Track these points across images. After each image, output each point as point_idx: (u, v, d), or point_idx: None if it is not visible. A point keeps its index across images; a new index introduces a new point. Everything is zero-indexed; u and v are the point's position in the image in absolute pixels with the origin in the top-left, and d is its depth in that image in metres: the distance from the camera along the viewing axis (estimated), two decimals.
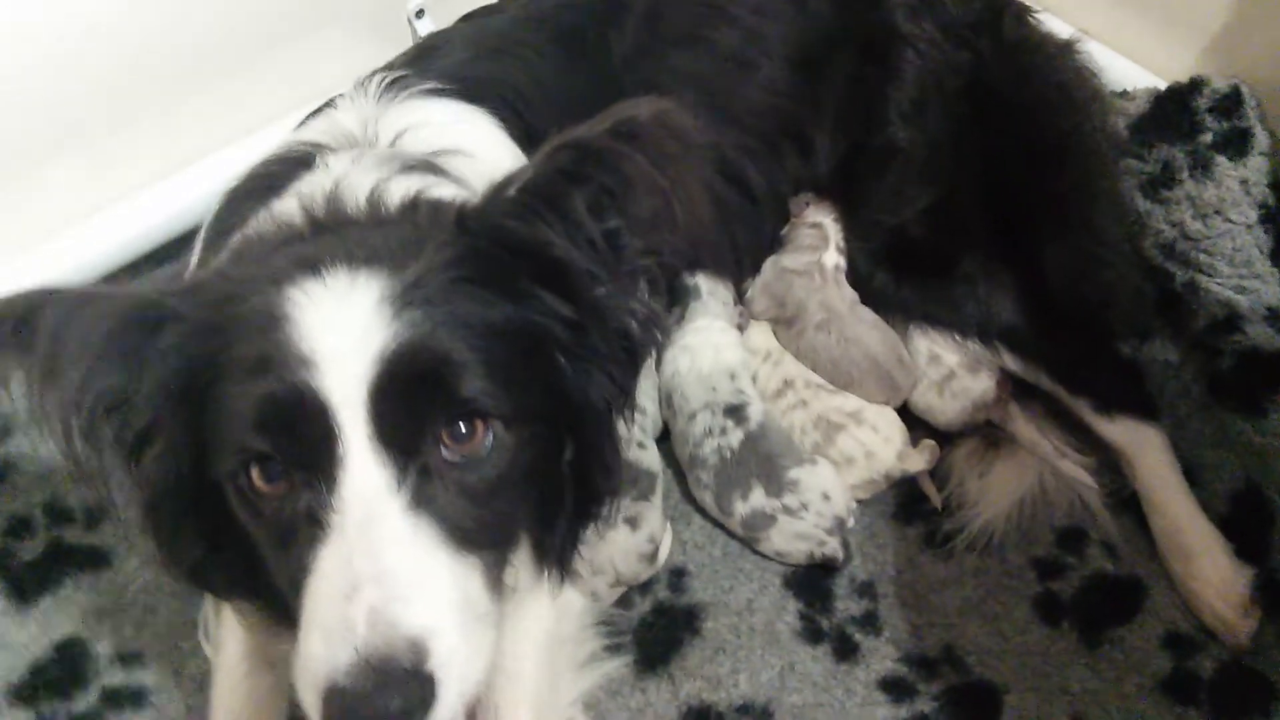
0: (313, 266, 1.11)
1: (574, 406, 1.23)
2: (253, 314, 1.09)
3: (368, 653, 0.96)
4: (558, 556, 1.37)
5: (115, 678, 1.60)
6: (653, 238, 1.20)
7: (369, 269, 1.11)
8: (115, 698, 1.58)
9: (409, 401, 1.07)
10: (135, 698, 1.58)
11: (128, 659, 1.62)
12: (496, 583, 1.15)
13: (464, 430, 1.10)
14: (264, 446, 1.07)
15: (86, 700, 1.57)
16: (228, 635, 1.49)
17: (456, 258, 1.14)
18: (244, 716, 1.44)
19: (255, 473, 1.09)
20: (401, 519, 1.04)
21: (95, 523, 1.78)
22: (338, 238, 1.20)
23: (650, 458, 1.77)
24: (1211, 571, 1.67)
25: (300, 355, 1.05)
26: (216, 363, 1.09)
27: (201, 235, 1.51)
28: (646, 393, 1.82)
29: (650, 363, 1.84)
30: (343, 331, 1.06)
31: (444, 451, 1.09)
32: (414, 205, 1.29)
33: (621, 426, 1.36)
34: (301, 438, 1.06)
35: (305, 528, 1.05)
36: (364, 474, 1.04)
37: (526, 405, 1.15)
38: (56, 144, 1.95)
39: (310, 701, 0.99)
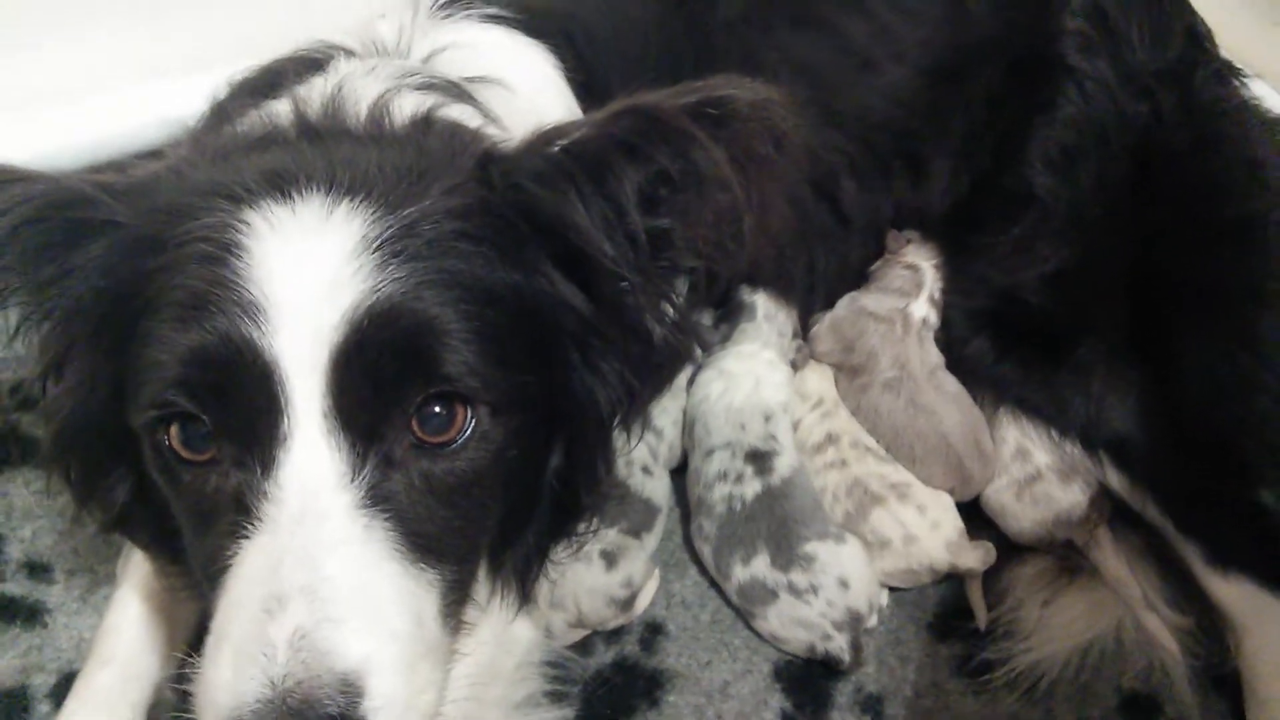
0: (283, 185, 0.93)
1: (575, 405, 1.04)
2: (199, 236, 0.90)
3: (287, 688, 0.79)
4: (519, 576, 1.18)
5: (17, 587, 1.47)
6: (706, 242, 1.00)
7: (352, 199, 0.92)
8: (11, 608, 1.44)
9: (379, 375, 0.88)
10: (32, 611, 1.44)
11: (36, 569, 1.49)
12: (454, 608, 0.98)
13: (439, 413, 0.92)
14: (188, 407, 0.89)
15: None
16: (134, 571, 1.33)
17: (464, 208, 0.95)
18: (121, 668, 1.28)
19: (174, 432, 0.91)
20: (349, 519, 0.87)
21: None
22: (323, 149, 1.01)
23: (656, 488, 1.53)
24: None
25: (247, 301, 0.87)
26: (148, 290, 0.92)
27: (193, 126, 1.35)
28: (669, 413, 1.57)
29: (681, 381, 1.60)
30: (306, 277, 0.88)
31: (411, 438, 0.91)
32: (426, 124, 1.10)
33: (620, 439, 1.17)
34: (237, 404, 0.88)
35: (231, 513, 0.88)
36: (311, 459, 0.87)
37: (520, 392, 0.97)
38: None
39: None
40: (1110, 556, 1.54)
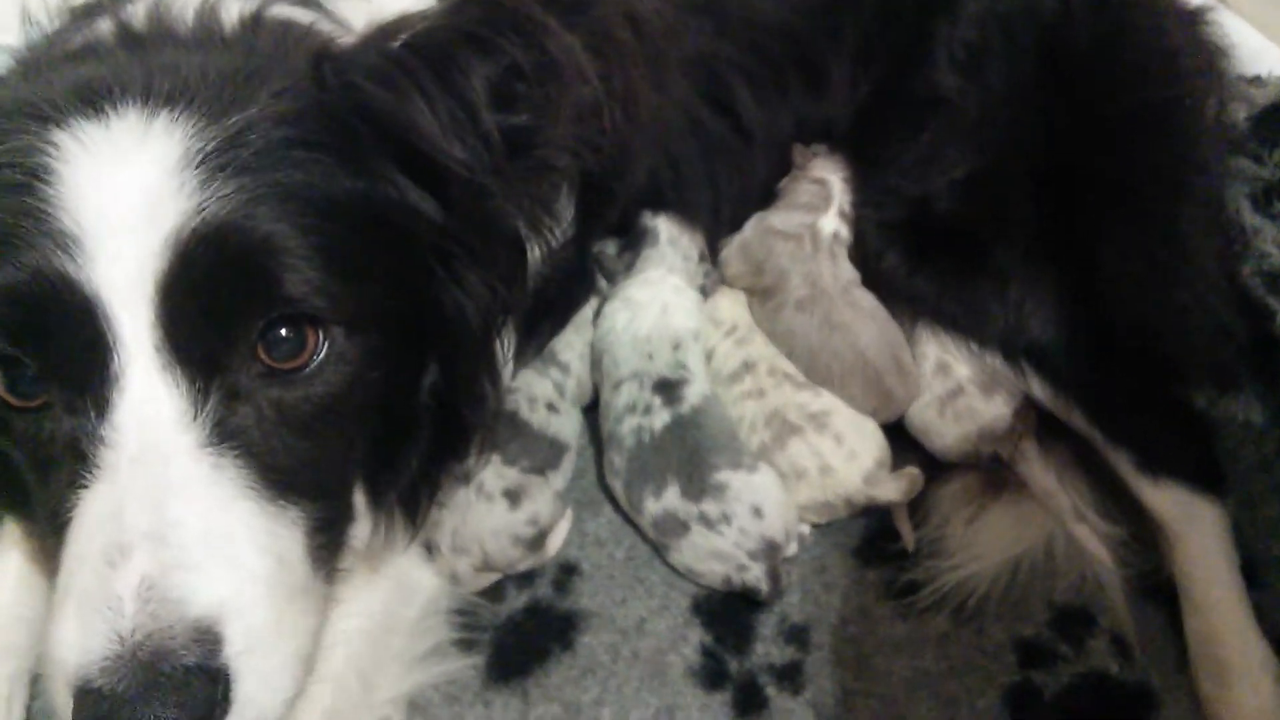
0: (94, 99, 0.85)
1: (444, 319, 0.98)
2: (3, 163, 0.83)
3: (136, 641, 0.74)
4: (406, 507, 1.11)
5: None
6: (574, 138, 0.94)
7: (172, 110, 0.85)
8: None
9: (213, 301, 0.83)
10: None
11: None
12: (324, 547, 0.92)
13: (287, 337, 0.86)
14: (7, 349, 0.83)
15: None
16: (8, 538, 1.27)
17: (296, 113, 0.88)
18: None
19: None
20: (194, 460, 0.81)
21: None
22: (141, 57, 0.94)
23: (563, 425, 1.46)
24: (1251, 699, 1.30)
25: (59, 231, 0.80)
26: None
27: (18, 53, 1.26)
28: (574, 348, 1.51)
29: (586, 314, 1.54)
30: (123, 201, 0.81)
31: (259, 366, 0.85)
32: (255, 24, 1.02)
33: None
34: (60, 344, 0.82)
35: (69, 461, 0.82)
36: (148, 398, 0.81)
37: (376, 307, 0.90)
38: None
39: (60, 700, 0.77)
40: (1037, 469, 1.48)
